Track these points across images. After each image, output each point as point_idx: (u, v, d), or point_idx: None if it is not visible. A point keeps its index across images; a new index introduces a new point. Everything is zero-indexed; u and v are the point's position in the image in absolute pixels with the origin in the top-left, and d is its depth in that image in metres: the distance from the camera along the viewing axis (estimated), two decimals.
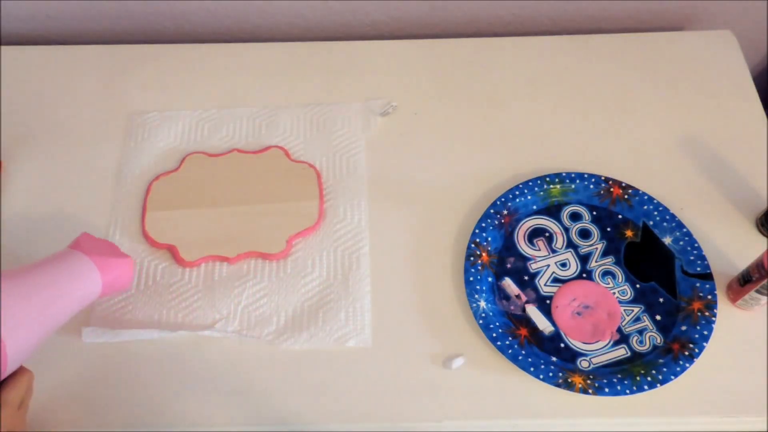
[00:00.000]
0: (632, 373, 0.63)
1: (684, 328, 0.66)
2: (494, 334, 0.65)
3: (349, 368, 0.65)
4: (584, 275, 0.70)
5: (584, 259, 0.71)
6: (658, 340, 0.66)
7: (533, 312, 0.68)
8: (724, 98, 0.83)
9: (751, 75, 0.85)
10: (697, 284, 0.68)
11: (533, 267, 0.71)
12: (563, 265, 0.71)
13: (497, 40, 0.89)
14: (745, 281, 0.65)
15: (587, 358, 0.65)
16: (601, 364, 0.65)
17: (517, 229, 0.73)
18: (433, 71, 0.86)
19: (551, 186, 0.74)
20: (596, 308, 0.68)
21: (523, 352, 0.64)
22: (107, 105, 0.83)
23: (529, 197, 0.74)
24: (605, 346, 0.66)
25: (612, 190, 0.74)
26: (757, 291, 0.64)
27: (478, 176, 0.77)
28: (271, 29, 0.93)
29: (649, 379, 0.62)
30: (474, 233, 0.71)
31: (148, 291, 0.69)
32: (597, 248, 0.72)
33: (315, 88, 0.84)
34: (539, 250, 0.72)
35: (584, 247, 0.72)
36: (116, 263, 0.61)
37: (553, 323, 0.67)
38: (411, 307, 0.68)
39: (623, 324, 0.67)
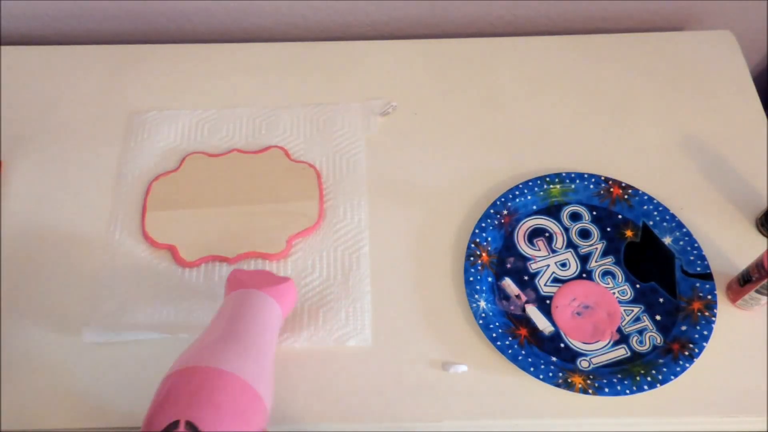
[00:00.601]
0: (632, 373, 0.63)
1: (684, 328, 0.66)
2: (494, 334, 0.65)
3: (349, 368, 0.65)
4: (584, 275, 0.70)
5: (584, 259, 0.71)
6: (658, 340, 0.66)
7: (533, 312, 0.68)
8: (724, 98, 0.83)
9: (751, 75, 0.85)
10: (697, 284, 0.68)
11: (533, 267, 0.71)
12: (563, 265, 0.71)
13: (497, 40, 0.89)
14: (744, 281, 0.65)
15: (587, 358, 0.65)
16: (601, 364, 0.65)
17: (517, 229, 0.73)
18: (433, 71, 0.86)
19: (551, 186, 0.74)
20: (596, 308, 0.68)
21: (523, 352, 0.64)
22: (107, 105, 0.83)
23: (529, 197, 0.74)
24: (605, 346, 0.66)
25: (612, 190, 0.74)
26: (757, 291, 0.64)
27: (478, 176, 0.77)
28: (271, 29, 0.93)
29: (649, 379, 0.63)
30: (474, 233, 0.71)
31: (148, 291, 0.69)
32: (597, 248, 0.72)
33: (315, 88, 0.84)
34: (539, 250, 0.72)
35: (584, 247, 0.72)
36: (285, 288, 0.62)
37: (553, 323, 0.67)
38: (411, 307, 0.68)
39: (623, 324, 0.67)
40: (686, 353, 0.64)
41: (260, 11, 0.90)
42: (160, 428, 0.46)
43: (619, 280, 0.70)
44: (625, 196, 0.74)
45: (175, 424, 0.46)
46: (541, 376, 0.63)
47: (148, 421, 0.48)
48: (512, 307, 0.68)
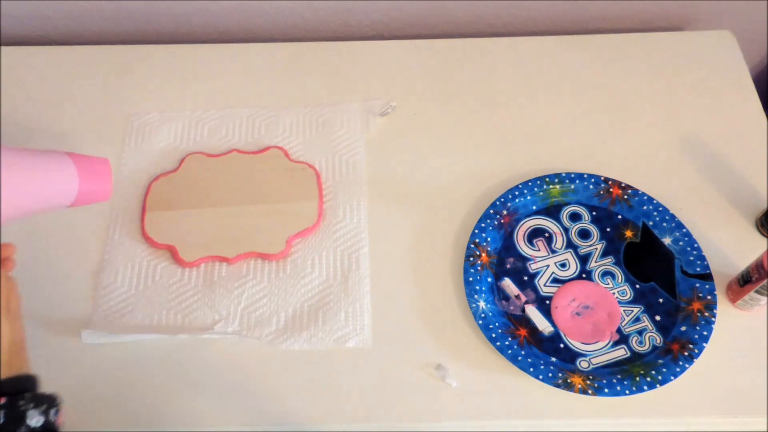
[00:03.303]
0: (632, 373, 0.63)
1: (684, 328, 0.66)
2: (494, 335, 0.65)
3: (349, 368, 0.65)
4: (584, 275, 0.70)
5: (584, 259, 0.71)
6: (658, 341, 0.66)
7: (533, 312, 0.68)
8: (724, 98, 0.83)
9: (751, 75, 0.85)
10: (697, 284, 0.68)
11: (533, 267, 0.71)
12: (563, 265, 0.71)
13: (497, 40, 0.89)
14: (744, 281, 0.65)
15: (587, 359, 0.65)
16: (600, 364, 0.65)
17: (516, 230, 0.73)
18: (433, 71, 0.86)
19: (551, 186, 0.74)
20: (596, 308, 0.68)
21: (523, 352, 0.64)
22: (107, 105, 0.83)
23: (528, 197, 0.74)
24: (605, 346, 0.66)
25: (612, 190, 0.74)
26: (757, 291, 0.64)
27: (477, 176, 0.77)
28: (271, 29, 0.93)
29: (648, 379, 0.62)
30: (473, 233, 0.71)
31: (148, 291, 0.69)
32: (597, 248, 0.72)
33: (315, 88, 0.84)
34: (539, 250, 0.72)
35: (584, 247, 0.72)
36: (94, 159, 0.60)
37: (553, 324, 0.67)
38: (411, 308, 0.68)
39: (623, 324, 0.67)
40: (686, 353, 0.64)
41: (260, 11, 0.90)
42: None
43: (619, 281, 0.70)
44: (625, 197, 0.74)
45: None
46: (540, 377, 0.63)
47: None
48: (512, 308, 0.68)
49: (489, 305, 0.68)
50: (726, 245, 0.72)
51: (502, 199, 0.73)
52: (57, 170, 0.58)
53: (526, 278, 0.70)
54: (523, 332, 0.67)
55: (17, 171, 0.54)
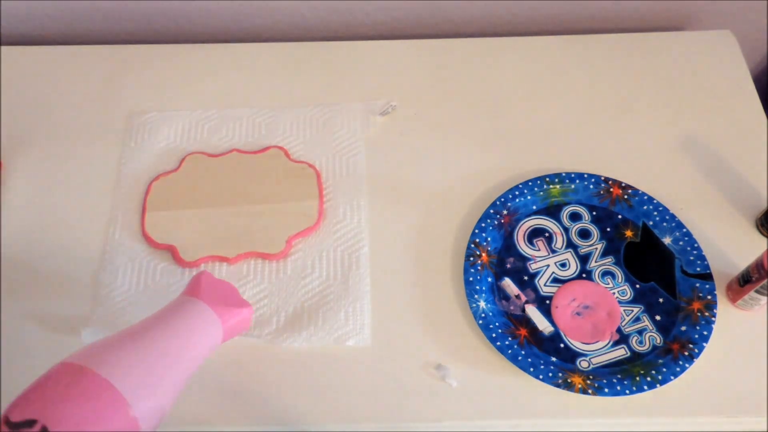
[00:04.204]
0: (632, 373, 0.63)
1: (684, 328, 0.66)
2: (494, 335, 0.65)
3: (349, 368, 0.65)
4: (584, 275, 0.70)
5: (584, 259, 0.71)
6: (658, 341, 0.66)
7: (533, 312, 0.68)
8: (724, 98, 0.83)
9: (751, 75, 0.85)
10: (697, 284, 0.68)
11: (533, 267, 0.71)
12: (563, 265, 0.71)
13: (497, 40, 0.89)
14: (744, 281, 0.65)
15: (587, 359, 0.65)
16: (600, 364, 0.65)
17: (516, 229, 0.73)
18: (433, 71, 0.86)
19: (551, 186, 0.74)
20: (596, 308, 0.68)
21: (523, 352, 0.64)
22: (107, 105, 0.83)
23: (528, 197, 0.74)
24: (605, 346, 0.66)
25: (612, 190, 0.74)
26: (757, 291, 0.64)
27: (477, 176, 0.77)
28: (271, 29, 0.93)
29: (648, 379, 0.62)
30: (473, 233, 0.71)
31: (148, 291, 0.69)
32: (597, 248, 0.72)
33: (315, 88, 0.84)
34: (539, 250, 0.72)
35: (584, 247, 0.72)
36: (238, 313, 0.58)
37: (553, 323, 0.67)
38: (410, 307, 0.68)
39: (623, 324, 0.67)
40: (686, 353, 0.64)
41: (260, 11, 0.90)
42: (16, 419, 0.44)
43: (619, 280, 0.70)
44: (625, 196, 0.74)
45: (30, 423, 0.44)
46: (540, 377, 0.63)
47: (12, 404, 0.46)
48: (512, 308, 0.68)
49: (489, 305, 0.68)
50: (726, 245, 0.72)
51: (502, 199, 0.73)
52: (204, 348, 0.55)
53: (526, 278, 0.70)
54: (523, 332, 0.67)
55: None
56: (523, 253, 0.71)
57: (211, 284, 0.59)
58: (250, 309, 0.59)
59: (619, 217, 0.73)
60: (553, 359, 0.65)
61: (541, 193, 0.74)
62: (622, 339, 0.66)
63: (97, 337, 0.65)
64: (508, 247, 0.72)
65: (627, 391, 0.62)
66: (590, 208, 0.74)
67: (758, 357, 0.65)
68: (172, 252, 0.71)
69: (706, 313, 0.66)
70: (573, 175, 0.75)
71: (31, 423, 0.44)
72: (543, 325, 0.67)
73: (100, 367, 0.48)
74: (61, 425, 0.44)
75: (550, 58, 0.87)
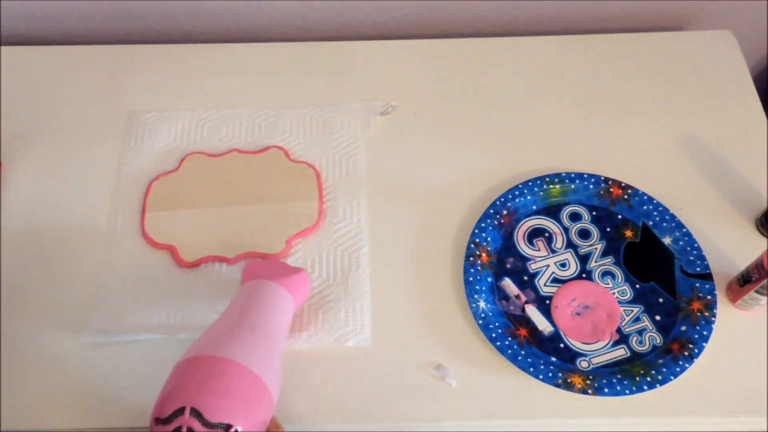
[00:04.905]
0: (632, 373, 0.63)
1: (684, 328, 0.66)
2: (494, 335, 0.65)
3: (349, 368, 0.65)
4: (584, 275, 0.70)
5: (584, 259, 0.71)
6: (658, 341, 0.66)
7: (533, 312, 0.68)
8: (724, 98, 0.83)
9: (751, 75, 0.85)
10: (697, 284, 0.68)
11: (533, 267, 0.71)
12: (563, 265, 0.71)
13: (497, 40, 0.89)
14: (744, 281, 0.65)
15: (587, 359, 0.65)
16: (600, 364, 0.65)
17: (516, 229, 0.73)
18: (433, 71, 0.86)
19: (551, 186, 0.74)
20: (596, 308, 0.68)
21: (523, 352, 0.64)
22: (107, 105, 0.83)
23: (528, 197, 0.74)
24: (605, 346, 0.66)
25: (612, 190, 0.74)
26: (757, 291, 0.64)
27: (477, 176, 0.77)
28: (271, 29, 0.93)
29: (648, 379, 0.63)
30: (473, 233, 0.71)
31: (148, 291, 0.69)
32: (596, 248, 0.72)
33: (315, 88, 0.84)
34: (539, 250, 0.72)
35: (584, 247, 0.72)
36: (297, 278, 0.63)
37: (553, 323, 0.67)
38: (410, 307, 0.68)
39: (623, 324, 0.67)
40: (686, 353, 0.64)
41: (260, 11, 0.90)
42: (166, 415, 0.48)
43: (619, 280, 0.70)
44: (625, 196, 0.74)
45: (181, 410, 0.47)
46: (540, 377, 0.63)
47: (157, 409, 0.49)
48: (512, 308, 0.68)
49: (489, 305, 0.68)
50: (726, 245, 0.72)
51: (502, 199, 0.73)
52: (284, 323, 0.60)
53: (526, 278, 0.70)
54: (523, 332, 0.67)
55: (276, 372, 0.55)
56: (523, 253, 0.71)
57: (262, 266, 0.64)
58: (303, 271, 0.64)
59: (619, 217, 0.73)
60: (553, 359, 0.65)
61: (541, 193, 0.74)
62: (622, 339, 0.66)
63: (97, 337, 0.65)
64: (508, 247, 0.72)
65: (627, 391, 0.62)
66: (590, 208, 0.74)
67: (758, 357, 0.65)
68: (172, 252, 0.71)
69: (706, 313, 0.66)
70: (573, 175, 0.75)
71: (227, 427, 0.48)
72: (543, 325, 0.67)
73: (243, 360, 0.51)
74: (247, 424, 0.49)
75: (550, 58, 0.87)
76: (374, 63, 0.87)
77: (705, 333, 0.65)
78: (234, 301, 0.60)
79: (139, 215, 0.74)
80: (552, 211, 0.74)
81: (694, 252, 0.70)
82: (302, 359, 0.65)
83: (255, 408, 0.50)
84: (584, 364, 0.65)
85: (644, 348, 0.66)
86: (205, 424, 0.47)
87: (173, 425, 0.47)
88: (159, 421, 0.48)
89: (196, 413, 0.47)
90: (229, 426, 0.48)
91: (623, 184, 0.74)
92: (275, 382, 0.54)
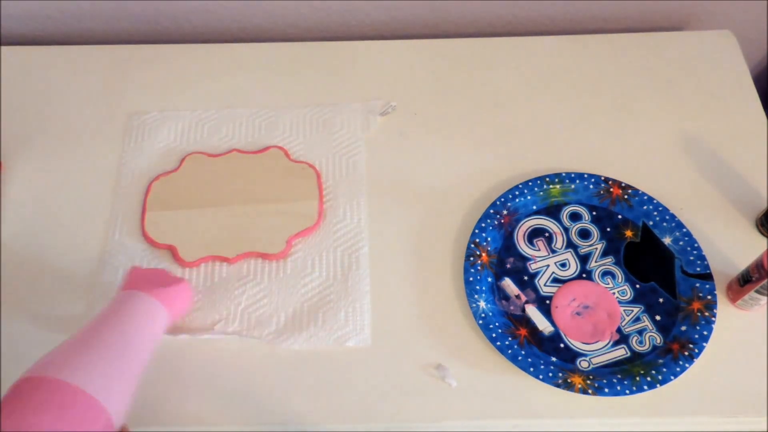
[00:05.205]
0: (632, 373, 0.63)
1: (684, 328, 0.66)
2: (494, 335, 0.65)
3: (349, 368, 0.65)
4: (584, 275, 0.70)
5: (584, 259, 0.71)
6: (658, 341, 0.66)
7: (533, 312, 0.68)
8: (724, 98, 0.83)
9: (751, 75, 0.85)
10: (697, 284, 0.68)
11: (533, 267, 0.71)
12: (563, 265, 0.71)
13: (497, 40, 0.89)
14: (744, 281, 0.65)
15: (587, 359, 0.65)
16: (600, 364, 0.65)
17: (516, 229, 0.73)
18: (433, 71, 0.86)
19: (551, 186, 0.74)
20: (596, 308, 0.68)
21: (523, 352, 0.64)
22: (107, 105, 0.83)
23: (528, 197, 0.74)
24: (605, 346, 0.66)
25: (612, 190, 0.74)
26: (757, 291, 0.64)
27: (477, 176, 0.77)
28: (271, 29, 0.93)
29: (648, 379, 0.62)
30: (474, 233, 0.71)
31: None
32: (597, 248, 0.72)
33: (315, 88, 0.84)
34: (539, 250, 0.72)
35: (584, 247, 0.72)
36: (174, 290, 0.61)
37: (553, 323, 0.67)
38: (410, 307, 0.68)
39: (623, 324, 0.67)
40: (686, 353, 0.64)
41: (260, 11, 0.90)
42: None
43: (619, 280, 0.70)
44: (625, 196, 0.74)
45: None
46: (540, 377, 0.63)
47: None
48: (512, 308, 0.68)
49: (489, 305, 0.68)
50: (726, 245, 0.72)
51: (502, 199, 0.73)
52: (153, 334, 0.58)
53: (526, 278, 0.70)
54: (523, 332, 0.67)
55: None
56: (523, 253, 0.71)
57: (142, 274, 0.62)
58: (185, 283, 0.63)
59: (619, 217, 0.73)
60: (553, 359, 0.65)
61: (541, 193, 0.74)
62: (622, 339, 0.66)
63: None
64: (508, 247, 0.72)
65: (627, 391, 0.62)
66: (590, 208, 0.74)
67: (758, 357, 0.65)
68: (172, 252, 0.71)
69: (706, 313, 0.66)
70: (573, 175, 0.75)
71: None
72: (543, 325, 0.67)
73: (65, 375, 0.48)
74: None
75: (550, 58, 0.87)
76: (374, 63, 0.87)
77: (705, 333, 0.65)
78: (101, 310, 0.57)
79: (139, 215, 0.74)
80: (552, 211, 0.74)
81: (694, 252, 0.70)
82: (302, 359, 0.65)
83: (79, 425, 0.47)
84: (584, 364, 0.65)
85: (644, 348, 0.66)
86: None
87: None
88: None
89: None
90: None
91: (623, 184, 0.74)
92: (118, 396, 0.50)
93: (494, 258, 0.71)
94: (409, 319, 0.68)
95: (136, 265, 0.65)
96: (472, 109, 0.83)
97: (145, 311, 0.58)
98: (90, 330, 0.54)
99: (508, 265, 0.71)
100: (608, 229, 0.73)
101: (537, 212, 0.74)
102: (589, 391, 0.62)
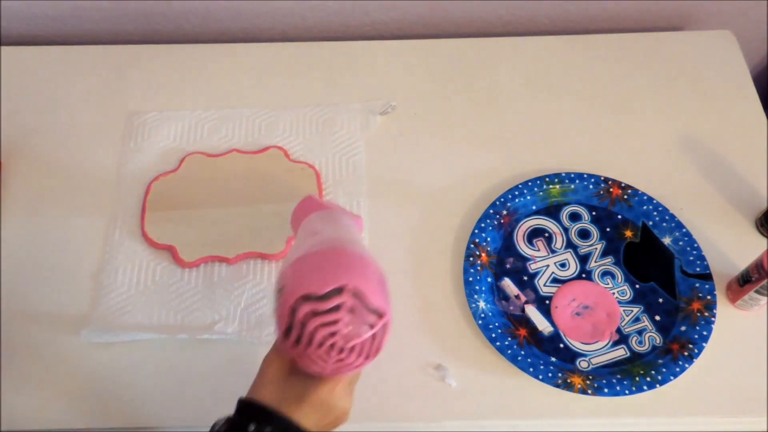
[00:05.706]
0: (631, 373, 0.63)
1: (683, 328, 0.66)
2: (493, 335, 0.65)
3: None
4: (583, 275, 0.70)
5: (584, 259, 0.71)
6: (658, 341, 0.66)
7: (532, 312, 0.68)
8: (724, 98, 0.83)
9: (751, 75, 0.85)
10: (697, 284, 0.68)
11: (532, 267, 0.71)
12: (562, 265, 0.71)
13: (497, 40, 0.89)
14: (744, 281, 0.65)
15: (586, 359, 0.65)
16: (600, 364, 0.65)
17: (516, 230, 0.73)
18: (433, 71, 0.86)
19: (551, 186, 0.74)
20: (595, 308, 0.68)
21: (523, 352, 0.64)
22: (107, 105, 0.83)
23: (528, 197, 0.74)
24: (604, 346, 0.66)
25: (611, 190, 0.74)
26: (757, 291, 0.64)
27: (477, 176, 0.77)
28: (271, 29, 0.93)
29: (648, 379, 0.62)
30: (473, 233, 0.71)
31: (148, 291, 0.69)
32: (596, 248, 0.72)
33: (315, 88, 0.84)
34: (538, 250, 0.72)
35: (584, 247, 0.72)
36: (358, 219, 0.65)
37: (553, 323, 0.67)
38: (410, 307, 0.68)
39: (622, 324, 0.67)
40: (686, 353, 0.64)
41: (260, 11, 0.90)
42: (323, 292, 0.46)
43: (619, 281, 0.70)
44: (625, 196, 0.74)
45: (339, 290, 0.46)
46: (540, 377, 0.63)
47: (306, 286, 0.47)
48: (511, 308, 0.68)
49: (489, 305, 0.68)
50: (726, 245, 0.72)
51: (502, 199, 0.73)
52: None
53: (525, 278, 0.70)
54: (522, 332, 0.67)
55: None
56: (523, 254, 0.71)
57: (322, 203, 0.63)
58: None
59: (619, 217, 0.73)
60: (553, 359, 0.65)
61: (541, 193, 0.74)
62: (622, 339, 0.66)
63: (96, 336, 0.65)
64: (507, 247, 0.72)
65: (627, 391, 0.62)
66: (590, 208, 0.74)
67: (758, 357, 0.65)
68: (171, 252, 0.71)
69: (706, 313, 0.66)
70: (573, 175, 0.75)
71: (381, 314, 0.47)
72: (543, 325, 0.67)
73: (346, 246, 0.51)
74: (390, 319, 0.48)
75: (550, 58, 0.87)
76: (374, 63, 0.87)
77: (705, 333, 0.65)
78: (310, 226, 0.57)
79: (139, 215, 0.74)
80: (552, 211, 0.74)
81: (694, 252, 0.70)
82: None
83: (389, 303, 0.49)
84: (584, 364, 0.65)
85: (644, 348, 0.66)
86: (365, 307, 0.46)
87: (331, 303, 0.45)
88: (310, 298, 0.46)
89: (357, 295, 0.46)
90: (383, 314, 0.47)
91: (623, 184, 0.74)
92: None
93: (494, 258, 0.71)
94: (409, 319, 0.68)
95: (310, 195, 0.64)
96: (472, 109, 0.83)
97: (348, 219, 0.60)
98: (329, 229, 0.56)
99: (508, 266, 0.71)
100: (608, 229, 0.73)
101: (537, 212, 0.74)
102: (589, 392, 0.62)
